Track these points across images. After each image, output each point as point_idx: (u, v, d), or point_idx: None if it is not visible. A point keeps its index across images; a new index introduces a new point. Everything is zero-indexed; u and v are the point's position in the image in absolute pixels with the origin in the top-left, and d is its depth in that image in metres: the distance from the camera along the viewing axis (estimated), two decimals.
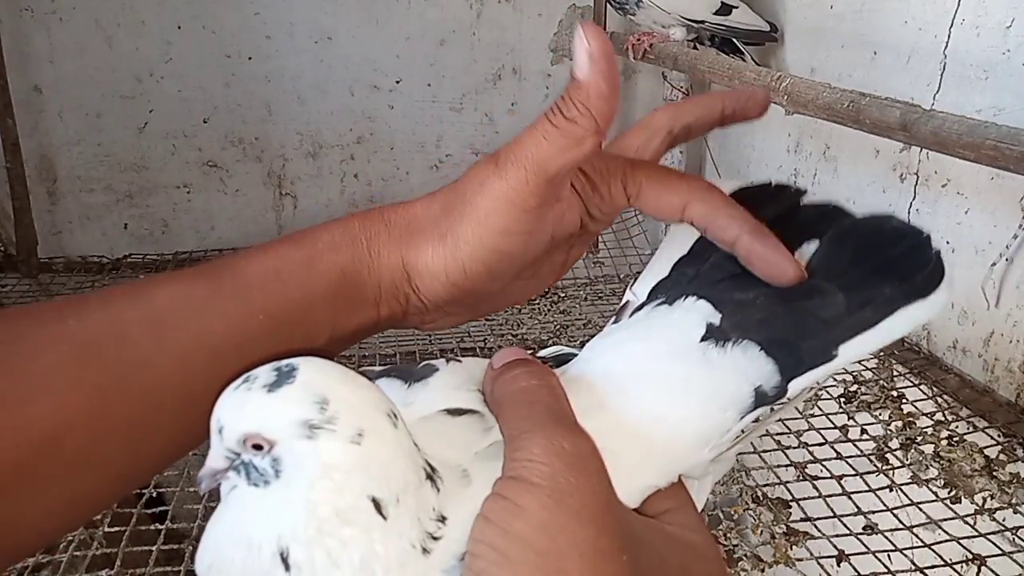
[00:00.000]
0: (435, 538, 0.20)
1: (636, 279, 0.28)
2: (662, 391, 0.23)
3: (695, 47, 1.08)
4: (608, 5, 1.20)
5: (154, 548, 0.61)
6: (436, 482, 0.21)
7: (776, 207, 0.26)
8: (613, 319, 0.27)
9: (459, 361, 0.25)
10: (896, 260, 0.24)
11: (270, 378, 0.20)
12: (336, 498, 0.19)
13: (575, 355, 0.27)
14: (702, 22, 1.06)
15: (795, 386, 0.24)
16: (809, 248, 0.25)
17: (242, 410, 0.20)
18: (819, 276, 0.24)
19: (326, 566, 0.19)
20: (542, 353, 0.25)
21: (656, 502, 0.23)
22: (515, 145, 0.24)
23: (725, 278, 0.25)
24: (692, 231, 0.27)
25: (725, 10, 1.06)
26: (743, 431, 0.24)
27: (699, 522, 0.23)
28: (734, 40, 1.09)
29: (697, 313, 0.25)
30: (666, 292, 0.26)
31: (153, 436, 0.23)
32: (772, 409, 0.24)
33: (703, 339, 0.24)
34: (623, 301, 0.27)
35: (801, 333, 0.24)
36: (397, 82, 1.40)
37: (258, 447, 0.20)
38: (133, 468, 0.23)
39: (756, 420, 0.24)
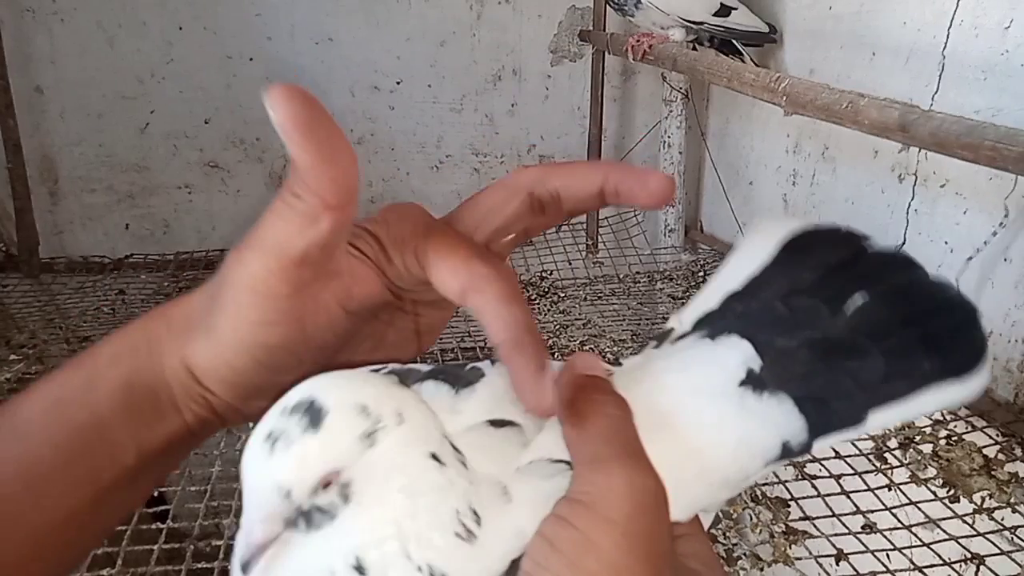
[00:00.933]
0: (471, 533, 0.20)
1: (685, 305, 0.27)
2: (697, 430, 0.23)
3: (694, 48, 1.08)
4: (607, 6, 1.20)
5: (155, 547, 0.61)
6: (458, 451, 0.21)
7: (840, 253, 0.25)
8: (654, 343, 0.27)
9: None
10: (943, 334, 0.24)
11: (302, 422, 0.20)
12: (402, 478, 0.20)
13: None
14: (701, 23, 1.07)
15: (819, 444, 0.24)
16: (858, 299, 0.24)
17: (307, 460, 0.19)
18: (864, 332, 0.24)
19: (398, 553, 0.19)
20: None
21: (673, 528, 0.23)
22: (255, 230, 0.22)
23: (770, 320, 0.25)
24: (752, 263, 0.26)
25: (724, 11, 1.07)
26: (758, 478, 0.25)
27: (711, 552, 0.23)
28: (733, 41, 1.10)
29: (739, 354, 0.24)
30: (711, 325, 0.26)
31: None
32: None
33: (742, 383, 0.24)
34: (667, 326, 0.27)
35: (835, 393, 0.23)
36: (398, 83, 1.40)
37: (327, 485, 0.20)
38: None
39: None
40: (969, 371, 0.23)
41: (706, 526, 0.24)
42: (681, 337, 0.26)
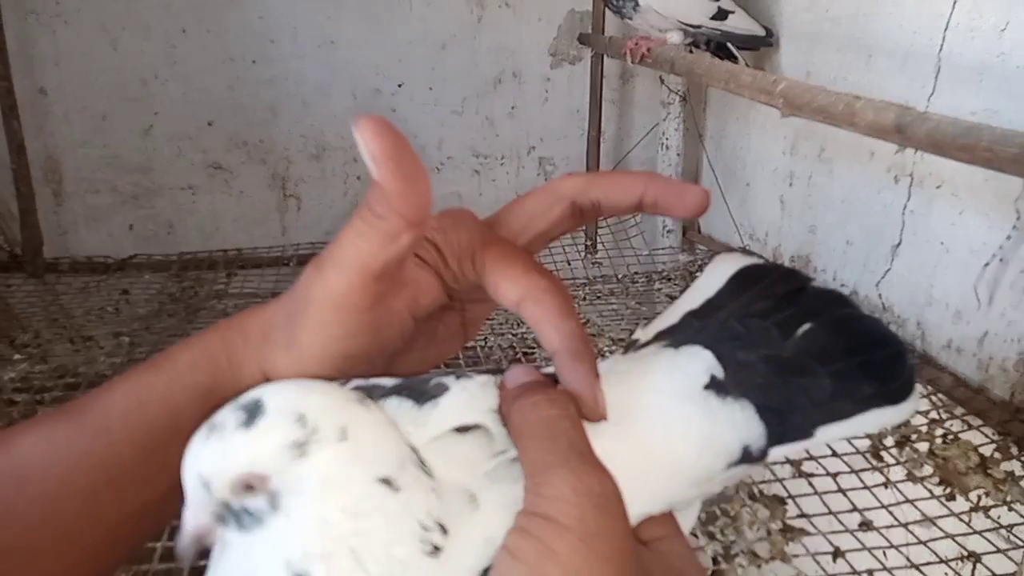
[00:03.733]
0: (437, 548, 0.20)
1: (648, 321, 0.29)
2: (663, 425, 0.24)
3: (691, 51, 1.08)
4: (606, 9, 1.21)
5: (158, 545, 0.62)
6: (425, 468, 0.21)
7: (787, 286, 0.28)
8: (621, 351, 0.28)
9: (469, 377, 0.25)
10: (878, 363, 0.26)
11: (240, 418, 0.20)
12: (344, 497, 0.19)
13: None
14: (698, 26, 1.07)
15: (774, 453, 0.26)
16: (805, 326, 0.27)
17: (227, 456, 0.19)
18: (812, 356, 0.26)
19: (352, 568, 0.19)
20: (545, 371, 0.25)
21: (649, 528, 0.24)
22: (334, 248, 0.23)
23: (729, 338, 0.27)
24: (710, 288, 0.28)
25: (721, 15, 1.07)
26: (722, 481, 0.26)
27: (691, 553, 0.24)
28: (729, 45, 1.10)
29: (702, 361, 0.26)
30: (672, 337, 0.27)
31: None
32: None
33: (706, 387, 0.25)
34: (633, 337, 0.29)
35: (790, 406, 0.25)
36: (399, 86, 1.41)
37: (250, 487, 0.19)
38: None
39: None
40: (903, 398, 0.26)
41: (687, 528, 0.25)
42: (644, 346, 0.28)
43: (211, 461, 0.20)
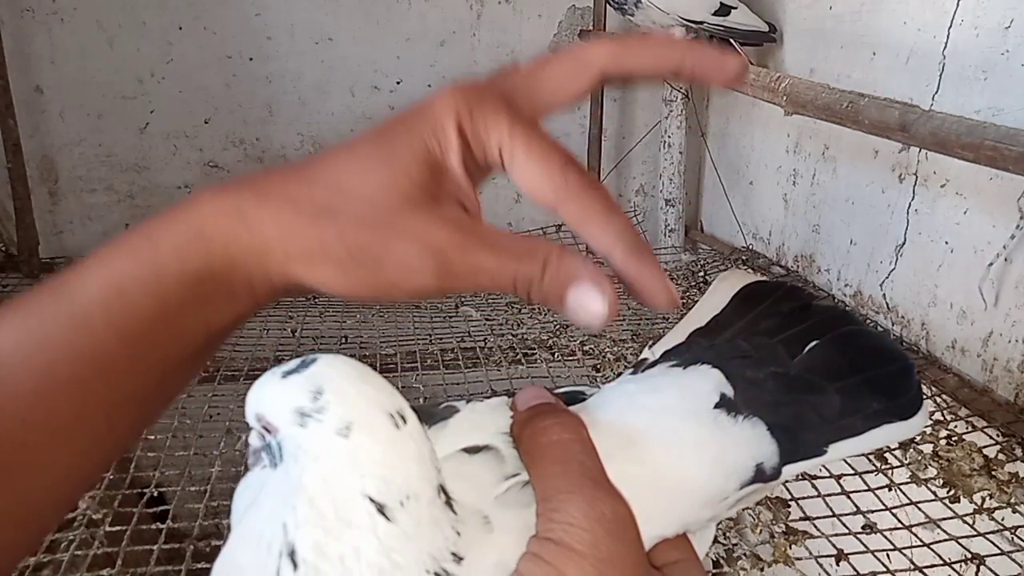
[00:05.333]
0: (449, 574, 0.19)
1: (656, 340, 0.29)
2: (674, 446, 0.24)
3: None
4: (607, 5, 1.20)
5: (155, 547, 0.61)
6: (452, 507, 0.20)
7: (792, 304, 0.28)
8: (630, 371, 0.29)
9: (480, 400, 0.25)
10: (885, 379, 0.27)
11: (291, 366, 0.20)
12: (327, 491, 0.19)
13: (584, 395, 0.27)
14: (701, 22, 1.07)
15: (787, 471, 0.25)
16: (811, 344, 0.27)
17: (259, 392, 0.21)
18: (819, 374, 0.26)
19: (338, 570, 0.18)
20: (559, 390, 0.26)
21: (663, 552, 0.23)
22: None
23: (737, 356, 0.27)
24: (715, 306, 0.28)
25: (724, 11, 1.07)
26: (737, 502, 0.25)
27: None
28: (731, 41, 1.09)
29: (711, 380, 0.26)
30: (680, 356, 0.27)
31: (24, 482, 0.21)
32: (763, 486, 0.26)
33: (716, 406, 0.25)
34: (641, 356, 0.29)
35: (801, 424, 0.25)
36: (397, 83, 1.40)
37: (267, 430, 0.20)
38: (20, 506, 0.22)
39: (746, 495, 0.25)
40: (912, 413, 0.26)
41: (701, 552, 0.25)
42: (651, 365, 0.28)
43: (253, 394, 0.21)
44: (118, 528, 0.62)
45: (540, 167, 0.22)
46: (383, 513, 0.19)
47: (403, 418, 0.20)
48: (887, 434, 0.26)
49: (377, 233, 0.22)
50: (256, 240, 0.22)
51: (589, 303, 0.21)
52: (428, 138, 0.23)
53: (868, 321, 0.96)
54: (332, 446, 0.19)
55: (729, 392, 0.25)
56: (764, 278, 0.30)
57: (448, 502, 0.20)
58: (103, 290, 0.22)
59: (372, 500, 0.19)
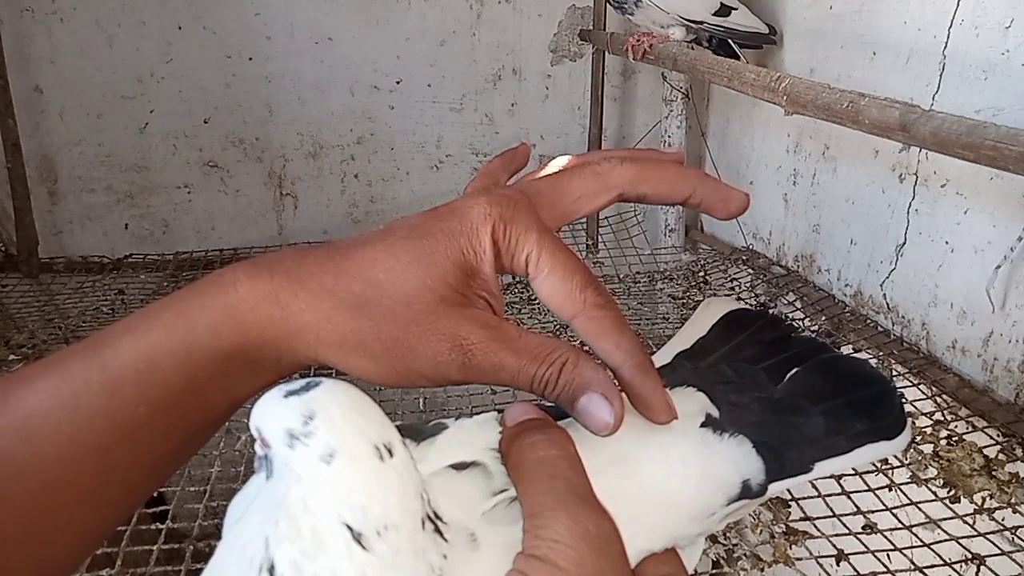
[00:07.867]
0: None
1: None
2: (661, 461, 0.25)
3: (692, 48, 1.08)
4: (607, 5, 1.20)
5: (155, 548, 0.61)
6: (442, 534, 0.20)
7: (772, 334, 0.30)
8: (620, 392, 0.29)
9: (468, 417, 0.25)
10: (868, 401, 0.27)
11: (295, 387, 0.21)
12: (307, 513, 0.19)
13: None
14: (701, 23, 1.06)
15: (773, 488, 0.26)
16: (793, 370, 0.28)
17: (262, 407, 0.21)
18: (802, 397, 0.27)
19: None
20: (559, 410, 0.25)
21: (651, 566, 0.23)
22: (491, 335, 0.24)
23: (721, 382, 0.27)
24: (700, 331, 0.29)
25: (724, 11, 1.06)
26: (725, 517, 0.26)
27: None
28: (731, 42, 1.09)
29: (696, 402, 0.26)
30: (665, 377, 0.28)
31: (45, 542, 0.22)
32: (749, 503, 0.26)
33: (702, 426, 0.26)
34: None
35: (786, 443, 0.26)
36: (397, 82, 1.40)
37: (263, 445, 0.21)
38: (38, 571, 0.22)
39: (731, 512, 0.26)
40: (895, 433, 0.27)
41: (690, 566, 0.25)
42: None
43: (258, 406, 0.21)
44: (117, 528, 0.62)
45: (563, 285, 0.25)
46: (359, 542, 0.19)
47: (390, 451, 0.20)
48: (872, 452, 0.27)
49: (410, 328, 0.23)
50: (291, 325, 0.23)
51: (598, 412, 0.23)
52: (464, 245, 0.25)
53: (868, 321, 0.96)
54: (314, 471, 0.19)
55: (714, 413, 0.26)
56: (746, 306, 0.31)
57: (438, 530, 0.20)
58: (136, 362, 0.23)
59: (349, 528, 0.19)
